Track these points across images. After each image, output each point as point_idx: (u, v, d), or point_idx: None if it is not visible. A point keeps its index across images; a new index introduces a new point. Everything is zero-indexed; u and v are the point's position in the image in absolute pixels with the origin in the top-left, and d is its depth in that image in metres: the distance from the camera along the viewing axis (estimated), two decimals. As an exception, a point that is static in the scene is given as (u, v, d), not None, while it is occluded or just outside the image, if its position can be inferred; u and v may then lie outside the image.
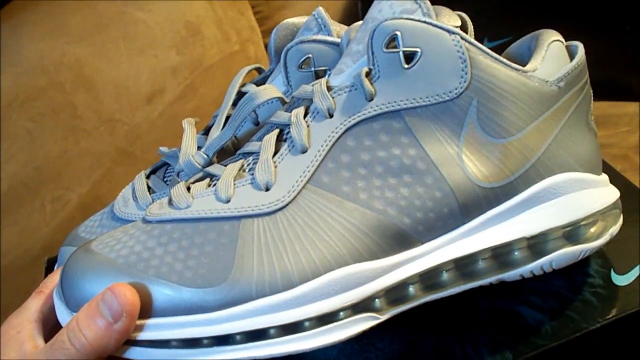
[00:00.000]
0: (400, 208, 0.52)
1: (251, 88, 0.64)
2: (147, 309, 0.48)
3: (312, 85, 0.55)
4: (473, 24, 0.58)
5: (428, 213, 0.52)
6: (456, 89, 0.52)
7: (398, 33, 0.51)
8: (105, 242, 0.51)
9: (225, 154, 0.62)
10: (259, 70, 0.69)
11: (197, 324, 0.48)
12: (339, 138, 0.52)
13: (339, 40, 0.61)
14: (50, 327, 0.53)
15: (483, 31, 1.09)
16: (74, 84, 1.04)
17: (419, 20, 0.51)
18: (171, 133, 1.12)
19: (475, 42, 0.52)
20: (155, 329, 0.48)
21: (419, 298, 0.53)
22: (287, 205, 0.51)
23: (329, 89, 0.54)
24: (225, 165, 0.55)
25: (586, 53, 0.59)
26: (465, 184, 0.53)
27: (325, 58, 0.61)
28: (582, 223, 0.56)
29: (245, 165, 0.55)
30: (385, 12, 0.53)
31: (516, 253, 0.55)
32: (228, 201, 0.52)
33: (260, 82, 0.68)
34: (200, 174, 0.56)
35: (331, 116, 0.53)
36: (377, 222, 0.51)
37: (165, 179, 0.66)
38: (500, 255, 0.55)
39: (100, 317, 0.47)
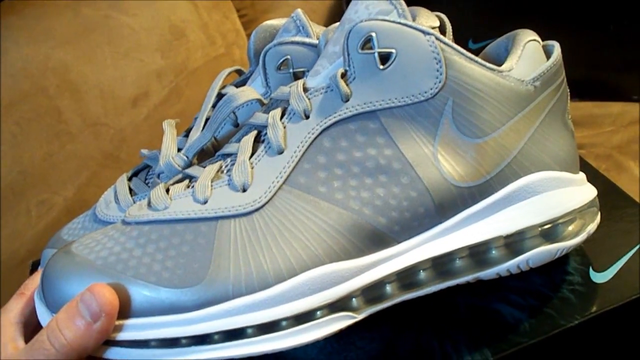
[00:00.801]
0: (376, 208, 0.52)
1: (230, 90, 0.64)
2: (126, 310, 0.48)
3: (290, 87, 0.55)
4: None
5: (404, 212, 0.53)
6: (431, 89, 0.52)
7: (373, 34, 0.52)
8: (85, 243, 0.52)
9: (205, 155, 0.63)
10: (239, 72, 0.69)
11: (175, 324, 0.48)
12: (315, 139, 0.53)
13: (317, 42, 0.61)
14: (31, 329, 0.54)
15: (468, 32, 1.10)
16: (59, 88, 1.04)
17: (393, 22, 0.52)
18: (156, 136, 1.10)
19: (450, 43, 0.52)
20: (134, 329, 0.48)
21: (396, 297, 0.54)
22: (263, 205, 0.51)
23: (305, 90, 0.54)
24: (204, 167, 0.56)
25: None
26: (440, 184, 0.53)
27: (304, 59, 0.61)
28: (559, 221, 0.56)
29: (224, 167, 0.55)
30: (361, 13, 0.54)
31: (493, 252, 0.55)
32: (205, 202, 0.52)
33: (240, 84, 0.68)
34: (179, 176, 0.57)
35: (307, 117, 0.53)
36: (352, 222, 0.52)
37: (146, 181, 0.66)
38: (477, 253, 0.55)
39: (79, 317, 0.47)
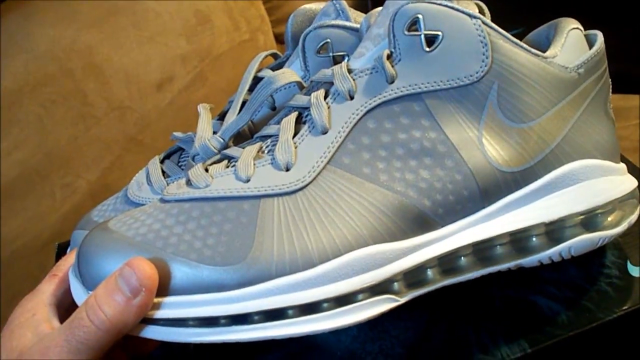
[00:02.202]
0: (421, 190, 0.52)
1: (268, 73, 0.63)
2: (165, 287, 0.48)
3: (332, 69, 0.55)
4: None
5: (448, 196, 0.52)
6: (477, 73, 0.52)
7: (420, 16, 0.51)
8: (123, 220, 0.51)
9: (241, 138, 0.62)
10: (274, 56, 0.69)
11: (214, 303, 0.48)
12: (359, 120, 0.52)
13: (357, 25, 0.61)
14: (64, 310, 0.53)
15: (499, 20, 1.09)
16: (84, 70, 1.04)
17: (440, 4, 0.51)
18: (180, 121, 1.11)
19: (496, 27, 0.52)
20: (172, 307, 0.48)
21: (437, 282, 0.53)
22: (307, 185, 0.51)
23: (349, 71, 0.54)
24: (243, 148, 0.55)
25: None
26: (485, 168, 0.53)
27: (344, 43, 0.61)
28: (600, 210, 0.56)
29: (264, 147, 0.54)
30: None
31: (534, 239, 0.55)
32: (248, 180, 0.51)
33: (276, 68, 0.67)
34: (217, 157, 0.56)
35: (352, 98, 0.53)
36: (397, 203, 0.51)
37: (179, 164, 0.66)
38: (519, 240, 0.55)
39: (119, 293, 0.46)
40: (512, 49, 0.52)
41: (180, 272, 0.48)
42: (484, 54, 0.52)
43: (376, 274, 0.50)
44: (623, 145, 1.03)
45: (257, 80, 0.64)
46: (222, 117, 0.67)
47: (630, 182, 0.58)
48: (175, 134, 0.67)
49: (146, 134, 1.10)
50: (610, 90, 0.59)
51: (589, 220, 0.56)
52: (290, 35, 0.67)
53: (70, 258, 0.56)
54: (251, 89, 0.64)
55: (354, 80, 0.53)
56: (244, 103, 0.63)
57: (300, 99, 0.55)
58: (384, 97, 0.52)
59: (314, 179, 0.51)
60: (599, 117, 0.57)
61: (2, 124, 0.96)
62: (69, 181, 1.02)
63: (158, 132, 1.10)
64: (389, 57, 0.53)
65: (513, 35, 0.55)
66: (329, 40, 0.61)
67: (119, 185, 0.70)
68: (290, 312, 0.48)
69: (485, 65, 0.52)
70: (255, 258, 0.48)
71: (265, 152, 0.54)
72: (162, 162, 0.67)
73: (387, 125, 0.52)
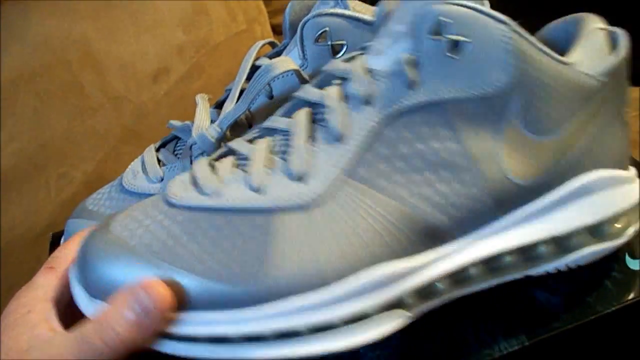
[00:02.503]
0: (437, 204, 0.50)
1: (265, 61, 0.63)
2: (175, 303, 0.46)
3: (349, 63, 0.52)
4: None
5: (463, 210, 0.50)
6: (502, 83, 0.49)
7: (446, 19, 0.48)
8: (124, 223, 0.49)
9: (238, 127, 0.62)
10: (272, 44, 0.68)
11: (227, 321, 0.46)
12: (377, 128, 0.50)
13: (356, 14, 0.60)
14: (63, 306, 0.51)
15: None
16: (81, 61, 1.04)
17: (468, 7, 0.48)
18: (177, 112, 1.11)
19: (525, 33, 0.49)
20: (184, 323, 0.46)
21: (447, 293, 0.52)
22: (322, 198, 0.48)
23: (368, 71, 0.51)
24: (249, 142, 0.53)
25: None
26: (502, 181, 0.51)
27: (342, 32, 0.60)
28: (610, 222, 0.55)
29: (274, 147, 0.52)
30: None
31: (542, 248, 0.54)
32: (261, 191, 0.49)
33: (273, 57, 0.67)
34: (222, 149, 0.54)
35: (370, 104, 0.50)
36: (412, 218, 0.49)
37: (175, 152, 0.65)
38: (527, 252, 0.54)
39: (131, 312, 0.45)
40: (539, 57, 0.50)
41: (190, 288, 0.46)
42: (510, 64, 0.49)
43: (388, 292, 0.49)
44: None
45: (254, 69, 0.64)
46: (218, 106, 0.66)
47: (637, 190, 0.57)
48: (172, 122, 0.66)
49: (142, 125, 1.10)
50: (628, 95, 0.57)
51: (597, 229, 0.55)
52: (288, 24, 0.66)
53: (66, 250, 0.54)
54: (249, 78, 0.63)
55: (373, 83, 0.50)
56: (241, 92, 0.62)
57: (311, 93, 0.53)
58: (404, 104, 0.49)
59: (330, 191, 0.49)
60: (614, 123, 0.55)
61: (-2, 115, 0.96)
62: (64, 172, 1.02)
63: (154, 123, 1.10)
64: (411, 61, 0.50)
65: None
66: (327, 28, 0.60)
67: (114, 176, 0.70)
68: (304, 330, 0.47)
69: (511, 75, 0.49)
70: (268, 275, 0.46)
71: (277, 153, 0.52)
72: (157, 150, 0.67)
73: (406, 134, 0.50)
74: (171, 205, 0.49)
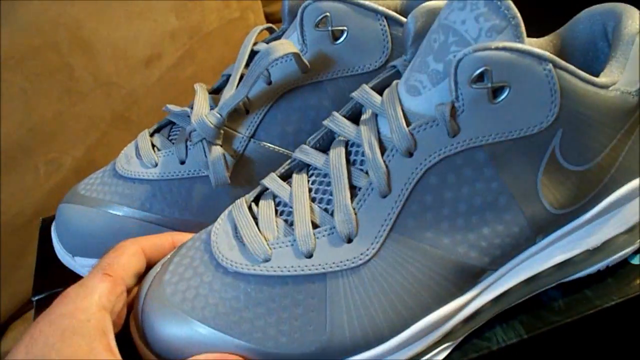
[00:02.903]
0: (481, 249, 0.50)
1: (264, 46, 0.62)
2: None
3: (387, 104, 0.51)
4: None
5: (505, 249, 0.51)
6: (542, 123, 0.48)
7: (487, 68, 0.46)
8: (181, 291, 0.50)
9: (235, 114, 0.61)
10: (270, 30, 0.67)
11: None
12: (420, 178, 0.49)
13: (358, 0, 0.59)
14: (114, 315, 0.49)
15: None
16: (71, 44, 1.02)
17: (510, 51, 0.46)
18: (168, 98, 1.10)
19: (567, 66, 0.47)
20: None
21: (489, 313, 0.54)
22: (371, 258, 0.49)
23: (405, 118, 0.50)
24: (284, 179, 0.54)
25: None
26: (540, 214, 0.51)
27: (343, 17, 0.59)
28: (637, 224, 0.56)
29: (314, 191, 0.52)
30: (469, 26, 0.47)
31: (578, 261, 0.55)
32: (310, 256, 0.49)
33: (271, 42, 0.66)
34: (258, 188, 0.55)
35: (411, 155, 0.49)
36: (458, 265, 0.50)
37: (170, 138, 0.64)
38: (563, 266, 0.55)
39: None
40: (580, 87, 0.48)
41: None
42: (552, 102, 0.47)
43: (441, 331, 0.51)
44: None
45: (253, 54, 0.63)
46: (214, 92, 0.66)
47: None
48: (169, 106, 0.65)
49: (133, 110, 1.09)
50: None
51: (628, 236, 0.56)
52: (288, 9, 0.65)
53: (120, 258, 0.52)
54: (247, 64, 0.62)
55: (413, 135, 0.49)
56: (241, 78, 0.61)
57: (346, 128, 0.52)
58: (445, 152, 0.48)
59: (378, 251, 0.49)
60: None
61: (-15, 98, 0.95)
62: (53, 157, 1.01)
63: (145, 109, 1.10)
64: (452, 110, 0.48)
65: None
66: (328, 13, 0.59)
67: (104, 162, 0.69)
68: None
69: (553, 115, 0.47)
70: (330, 340, 0.48)
71: (319, 202, 0.52)
72: (151, 135, 0.66)
73: (450, 179, 0.49)
74: (222, 269, 0.50)
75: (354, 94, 0.53)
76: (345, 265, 0.48)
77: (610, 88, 0.49)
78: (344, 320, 0.48)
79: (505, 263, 0.52)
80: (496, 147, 0.48)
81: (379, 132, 0.51)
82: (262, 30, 0.65)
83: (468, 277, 0.50)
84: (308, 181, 0.53)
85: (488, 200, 0.49)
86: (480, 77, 0.47)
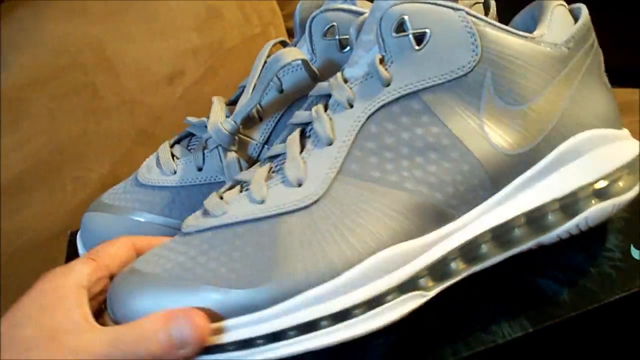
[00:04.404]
0: (431, 185, 0.52)
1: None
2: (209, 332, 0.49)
3: (328, 81, 0.55)
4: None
5: (458, 186, 0.52)
6: (469, 63, 0.52)
7: (405, 17, 0.52)
8: (146, 259, 0.52)
9: (251, 123, 0.64)
10: (283, 43, 0.70)
11: (249, 324, 0.48)
12: (362, 126, 0.53)
13: (363, 9, 0.61)
14: (91, 297, 0.51)
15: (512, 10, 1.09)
16: (95, 64, 1.04)
17: (423, 2, 0.52)
18: (191, 114, 1.10)
19: (481, 16, 0.52)
20: (211, 334, 0.48)
21: (462, 271, 0.54)
22: (320, 198, 0.51)
23: (345, 80, 0.55)
24: (253, 172, 0.56)
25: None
26: (491, 154, 0.53)
27: (350, 27, 0.61)
28: (610, 178, 0.56)
29: (274, 167, 0.55)
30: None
31: (550, 216, 0.55)
32: (263, 202, 0.52)
33: (281, 51, 0.68)
34: (229, 183, 0.57)
35: (351, 106, 0.53)
36: (410, 201, 0.51)
37: (189, 148, 0.67)
38: (535, 220, 0.55)
39: (166, 336, 0.47)
40: (500, 35, 0.53)
41: (212, 301, 0.48)
42: (473, 44, 0.52)
43: (401, 273, 0.51)
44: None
45: (266, 66, 0.65)
46: (231, 103, 0.68)
47: (635, 147, 0.59)
48: (189, 118, 0.67)
49: (157, 127, 1.10)
50: (602, 60, 0.60)
51: (601, 189, 0.56)
52: (299, 22, 0.67)
53: (109, 247, 0.55)
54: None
55: (350, 88, 0.54)
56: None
57: (301, 116, 0.56)
58: (382, 100, 0.53)
59: (326, 190, 0.51)
60: (595, 87, 0.58)
61: (13, 118, 0.96)
62: (80, 174, 1.02)
63: (168, 125, 1.11)
64: (381, 61, 0.53)
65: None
66: (335, 23, 0.62)
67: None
68: (323, 322, 0.49)
69: (476, 54, 0.52)
70: (281, 275, 0.49)
71: (276, 171, 0.54)
72: (172, 146, 0.68)
73: (389, 127, 0.53)
74: (186, 234, 0.52)
75: (311, 92, 0.57)
76: (295, 205, 0.51)
77: (535, 38, 0.55)
78: (295, 256, 0.49)
79: (466, 207, 0.53)
80: (431, 93, 0.52)
81: (327, 103, 0.55)
82: (275, 44, 0.67)
83: (428, 219, 0.52)
84: (271, 165, 0.55)
85: (430, 142, 0.52)
86: (402, 28, 0.52)
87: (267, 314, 0.48)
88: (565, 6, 0.58)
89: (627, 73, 1.12)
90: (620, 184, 0.56)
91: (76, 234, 0.69)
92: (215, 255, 0.50)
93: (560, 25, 0.56)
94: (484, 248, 0.54)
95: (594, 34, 0.59)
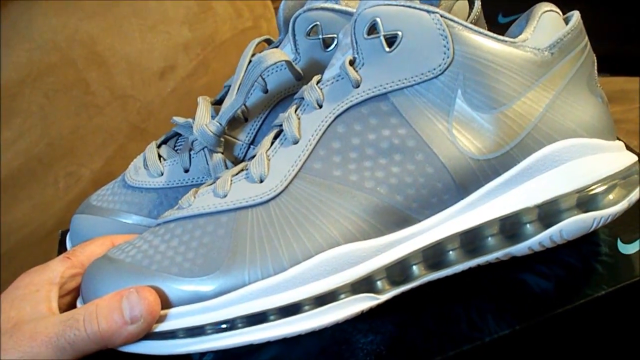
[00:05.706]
0: (391, 186, 0.52)
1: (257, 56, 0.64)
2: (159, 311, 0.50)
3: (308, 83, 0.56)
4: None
5: (420, 189, 0.53)
6: (439, 66, 0.53)
7: (377, 19, 0.53)
8: (121, 247, 0.54)
9: (236, 123, 0.64)
10: (268, 41, 0.70)
11: (198, 312, 0.50)
12: (329, 126, 0.54)
13: (347, 8, 0.61)
14: (66, 292, 0.55)
15: (497, 6, 1.09)
16: (87, 60, 1.04)
17: (397, 5, 0.52)
18: (183, 109, 1.11)
19: (457, 19, 0.53)
20: (161, 320, 0.50)
21: (423, 277, 0.54)
22: (279, 194, 0.53)
23: (318, 82, 0.55)
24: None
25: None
26: (457, 158, 0.53)
27: (333, 26, 0.61)
28: (594, 190, 0.55)
29: (245, 166, 0.56)
30: (370, 1, 0.54)
31: (527, 226, 0.55)
32: (225, 196, 0.54)
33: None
34: (210, 181, 0.58)
35: (320, 107, 0.55)
36: (368, 202, 0.52)
37: (176, 148, 0.67)
38: (509, 228, 0.55)
39: (119, 313, 0.49)
40: (476, 38, 0.53)
41: (165, 287, 0.50)
42: (445, 46, 0.52)
43: (352, 272, 0.52)
44: (627, 128, 1.03)
45: (250, 65, 0.65)
46: (217, 103, 0.68)
47: (627, 159, 0.57)
48: (175, 118, 0.68)
49: (149, 122, 1.10)
50: (595, 67, 0.59)
51: (583, 200, 0.55)
52: (282, 20, 0.67)
53: (87, 247, 0.58)
54: (246, 75, 0.65)
55: (321, 89, 0.55)
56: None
57: (280, 117, 0.57)
58: (351, 101, 0.54)
59: (286, 187, 0.53)
60: (582, 95, 0.57)
61: (5, 114, 0.96)
62: (72, 170, 1.02)
63: (161, 121, 1.11)
64: (352, 62, 0.54)
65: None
66: (318, 22, 0.61)
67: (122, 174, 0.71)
68: (271, 316, 0.50)
69: (447, 57, 0.52)
70: (229, 266, 0.50)
71: (246, 169, 0.55)
72: (159, 147, 0.68)
73: (356, 127, 0.53)
74: (157, 225, 0.55)
75: (296, 96, 0.58)
76: (253, 200, 0.52)
77: (516, 42, 0.54)
78: (246, 249, 0.51)
79: (428, 211, 0.54)
80: (400, 95, 0.53)
81: (299, 104, 0.56)
82: (260, 42, 0.67)
83: (387, 221, 0.53)
84: (245, 165, 0.57)
85: (395, 144, 0.53)
86: (375, 30, 0.53)
87: (214, 304, 0.50)
88: (557, 12, 0.58)
89: (625, 61, 1.12)
90: (609, 197, 0.56)
91: (67, 233, 0.70)
92: (175, 244, 0.52)
93: (546, 31, 0.56)
94: (452, 254, 0.55)
95: (585, 40, 0.58)
